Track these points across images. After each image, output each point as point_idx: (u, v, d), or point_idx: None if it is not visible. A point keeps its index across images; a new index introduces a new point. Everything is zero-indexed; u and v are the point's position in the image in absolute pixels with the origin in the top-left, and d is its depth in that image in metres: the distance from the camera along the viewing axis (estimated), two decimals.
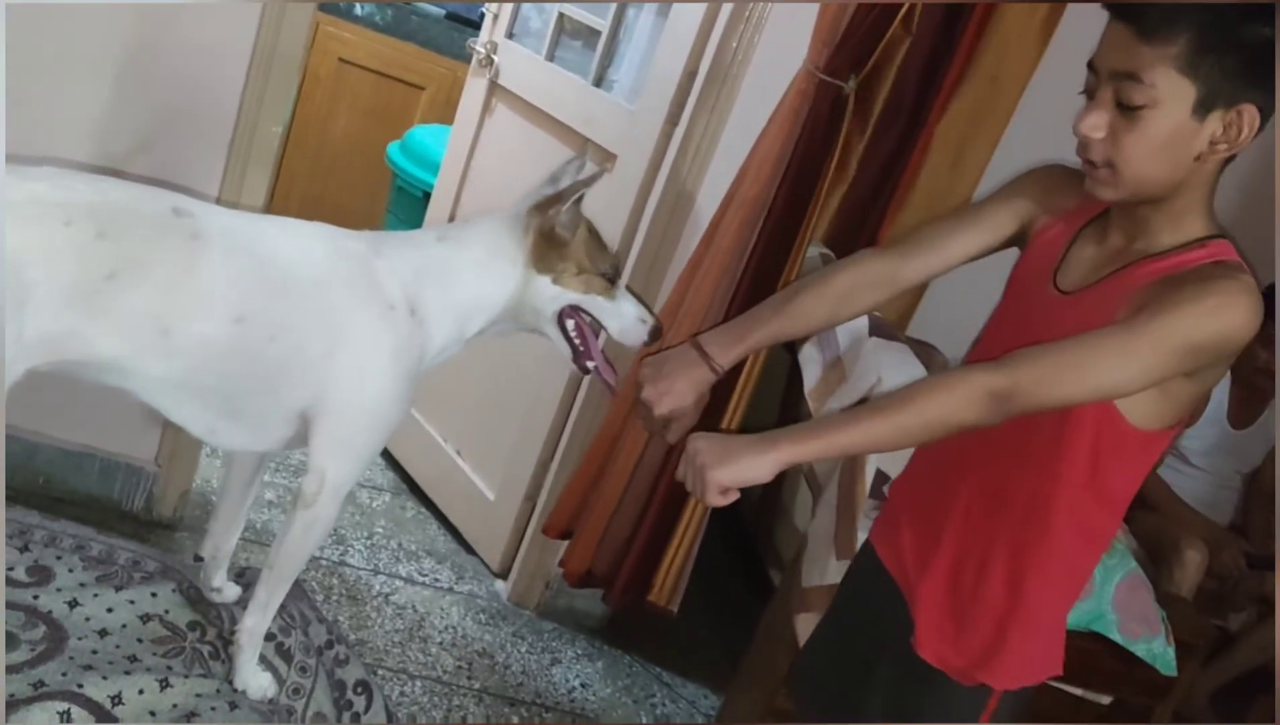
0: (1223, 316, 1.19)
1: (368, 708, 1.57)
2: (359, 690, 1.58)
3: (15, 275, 1.16)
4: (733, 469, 1.23)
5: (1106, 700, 2.27)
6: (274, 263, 1.37)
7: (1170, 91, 1.18)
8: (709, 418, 2.44)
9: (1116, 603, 2.11)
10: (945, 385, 1.25)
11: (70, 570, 1.43)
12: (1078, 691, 2.23)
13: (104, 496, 2.52)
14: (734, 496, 1.26)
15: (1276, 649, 2.15)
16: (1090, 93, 1.25)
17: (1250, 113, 1.19)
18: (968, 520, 1.42)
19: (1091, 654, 2.12)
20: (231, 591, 1.62)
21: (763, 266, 2.36)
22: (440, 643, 2.58)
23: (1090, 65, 1.25)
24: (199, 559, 1.63)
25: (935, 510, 1.47)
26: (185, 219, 1.30)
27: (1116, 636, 2.12)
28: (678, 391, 1.43)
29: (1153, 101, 1.19)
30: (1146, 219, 1.29)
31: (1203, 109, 1.19)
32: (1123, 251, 1.32)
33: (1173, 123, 1.20)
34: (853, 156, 2.46)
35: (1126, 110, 1.21)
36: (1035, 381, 1.22)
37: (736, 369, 2.39)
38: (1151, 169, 1.23)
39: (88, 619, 1.38)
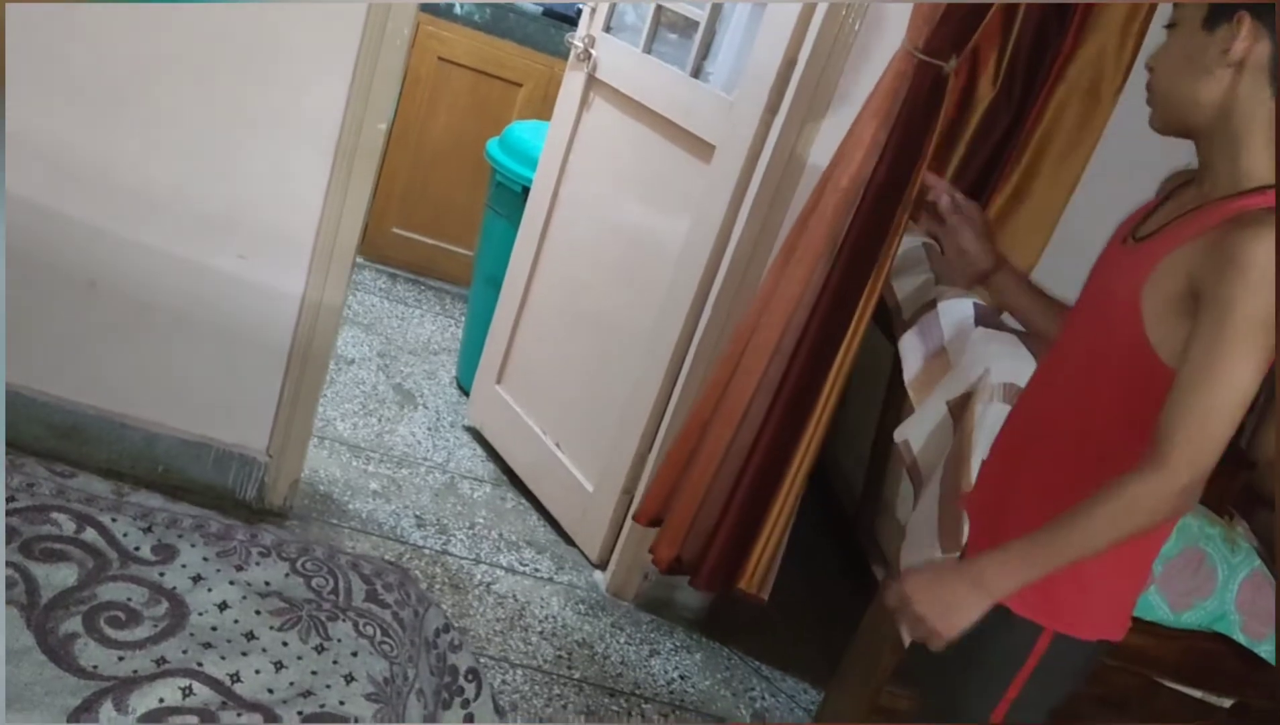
0: (1265, 280, 1.17)
1: (477, 695, 1.59)
2: (470, 678, 1.60)
3: None
4: (958, 621, 1.31)
5: (1228, 704, 2.18)
6: None
7: (1188, 8, 1.30)
8: (797, 412, 2.42)
9: (1240, 602, 2.03)
10: (1127, 507, 1.25)
11: (193, 546, 1.48)
12: (1198, 694, 2.15)
13: (219, 485, 2.61)
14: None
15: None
16: None
17: (1246, 21, 1.25)
18: (1027, 454, 1.51)
19: (1214, 655, 2.04)
20: None
21: (857, 253, 2.30)
22: (540, 632, 2.60)
23: None
24: None
25: (1001, 453, 1.60)
26: None
27: (1240, 637, 2.04)
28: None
29: (1176, 19, 1.32)
30: (1207, 158, 1.34)
31: (1210, 22, 1.28)
32: (1196, 198, 1.35)
33: (1190, 38, 1.30)
34: (958, 139, 2.39)
35: (1167, 31, 1.34)
36: (1197, 453, 1.22)
37: (826, 365, 2.34)
38: (1175, 84, 1.32)
39: (210, 590, 1.43)
